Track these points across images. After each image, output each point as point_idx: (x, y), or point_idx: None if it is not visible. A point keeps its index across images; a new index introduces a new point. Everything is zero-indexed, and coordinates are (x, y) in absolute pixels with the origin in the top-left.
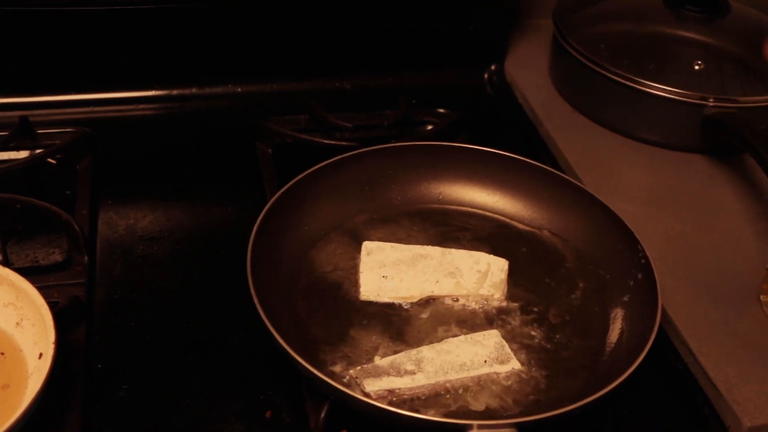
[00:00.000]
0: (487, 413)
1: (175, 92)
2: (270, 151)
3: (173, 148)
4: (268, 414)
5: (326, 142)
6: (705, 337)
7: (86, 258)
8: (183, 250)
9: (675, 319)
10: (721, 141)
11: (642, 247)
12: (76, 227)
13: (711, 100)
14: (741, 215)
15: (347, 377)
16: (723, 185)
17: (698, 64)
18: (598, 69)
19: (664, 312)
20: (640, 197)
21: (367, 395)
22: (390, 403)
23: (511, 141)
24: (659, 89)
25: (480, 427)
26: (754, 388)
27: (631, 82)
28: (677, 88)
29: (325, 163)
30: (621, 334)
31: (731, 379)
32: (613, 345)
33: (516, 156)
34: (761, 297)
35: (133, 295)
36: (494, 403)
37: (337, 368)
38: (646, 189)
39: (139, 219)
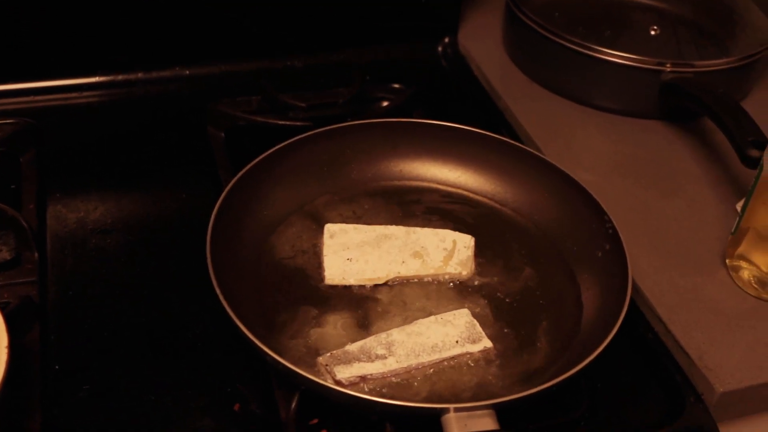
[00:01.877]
0: (463, 395)
1: (120, 77)
2: (222, 134)
3: (121, 136)
4: (236, 406)
5: (280, 123)
6: (674, 305)
7: (36, 255)
8: (138, 242)
9: (643, 288)
10: (679, 106)
11: (609, 217)
12: (24, 223)
13: (668, 65)
14: (702, 180)
15: (317, 365)
16: (683, 150)
17: (654, 30)
18: (553, 37)
19: (632, 282)
20: (601, 166)
21: (338, 383)
22: (363, 390)
23: (468, 114)
24: (616, 56)
25: (457, 410)
26: (725, 353)
27: (587, 49)
28: (634, 55)
29: (281, 145)
30: (592, 306)
31: (702, 346)
32: (584, 318)
33: (475, 129)
34: (727, 261)
35: (88, 291)
36: (469, 384)
37: (306, 356)
38: (607, 157)
39: (90, 211)
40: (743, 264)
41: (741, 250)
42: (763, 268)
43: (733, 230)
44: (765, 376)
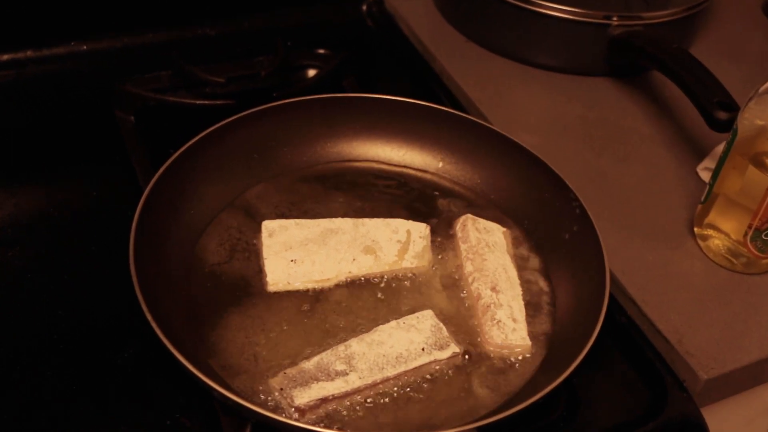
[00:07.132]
0: (438, 415)
1: (5, 57)
2: (132, 118)
3: (14, 127)
4: None
5: (198, 102)
6: (645, 284)
7: None
8: (47, 253)
9: (612, 267)
10: (627, 61)
11: (575, 195)
12: None
13: (615, 18)
14: (657, 140)
15: (270, 389)
16: (633, 108)
17: None
18: None
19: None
20: (550, 130)
21: (298, 410)
22: (325, 416)
23: (403, 80)
24: (559, 10)
25: None
26: (705, 334)
27: (527, 3)
28: (578, 8)
29: (203, 134)
30: (564, 293)
31: (680, 329)
32: (557, 308)
33: (417, 101)
34: (695, 230)
35: None
36: (442, 399)
37: (256, 378)
38: (556, 120)
39: None
40: (712, 233)
41: (710, 218)
42: (733, 236)
43: (703, 199)
44: (747, 357)
